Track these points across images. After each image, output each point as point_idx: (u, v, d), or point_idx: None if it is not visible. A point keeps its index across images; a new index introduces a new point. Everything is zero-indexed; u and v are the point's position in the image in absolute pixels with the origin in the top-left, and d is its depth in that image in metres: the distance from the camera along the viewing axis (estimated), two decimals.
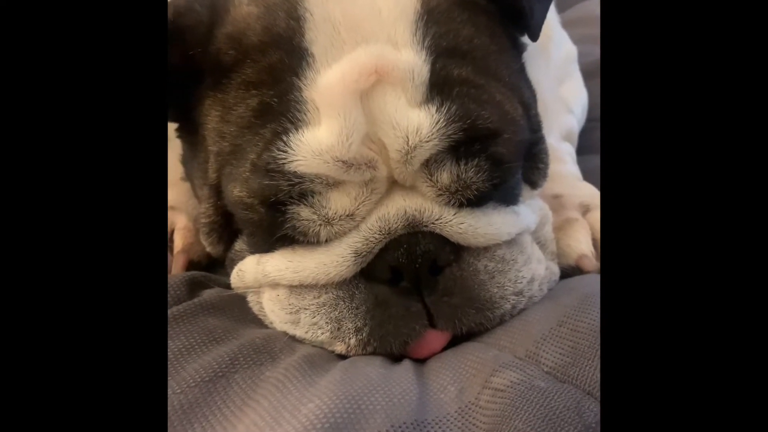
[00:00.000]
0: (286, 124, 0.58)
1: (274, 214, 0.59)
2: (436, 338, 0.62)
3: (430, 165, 0.59)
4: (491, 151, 0.59)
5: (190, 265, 0.80)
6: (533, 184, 0.70)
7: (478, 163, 0.59)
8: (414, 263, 0.60)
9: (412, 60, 0.58)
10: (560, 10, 1.45)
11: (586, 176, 0.91)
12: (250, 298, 0.68)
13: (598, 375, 0.52)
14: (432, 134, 0.57)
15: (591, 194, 0.83)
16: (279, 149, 0.57)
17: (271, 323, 0.66)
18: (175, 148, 0.76)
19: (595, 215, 0.79)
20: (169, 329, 0.62)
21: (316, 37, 0.59)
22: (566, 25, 1.20)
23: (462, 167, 0.58)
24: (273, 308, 0.65)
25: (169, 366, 0.57)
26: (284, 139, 0.57)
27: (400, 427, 0.50)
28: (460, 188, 0.59)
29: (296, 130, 0.57)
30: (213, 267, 0.79)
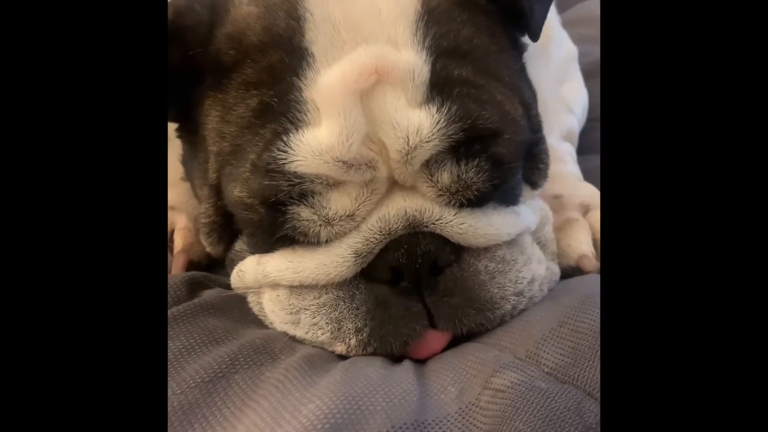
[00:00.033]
0: (286, 124, 0.58)
1: (274, 215, 0.59)
2: (436, 339, 0.62)
3: (430, 165, 0.59)
4: (492, 152, 0.59)
5: (190, 266, 0.80)
6: (534, 185, 0.70)
7: (479, 163, 0.59)
8: (414, 263, 0.60)
9: (412, 60, 0.58)
10: (560, 10, 1.45)
11: (587, 176, 0.91)
12: (251, 299, 0.68)
13: (599, 376, 0.52)
14: (432, 134, 0.57)
15: (591, 194, 0.83)
16: (279, 149, 0.57)
17: (272, 324, 0.66)
18: (175, 148, 0.76)
19: (596, 215, 0.79)
20: (169, 329, 0.62)
21: (316, 37, 0.59)
22: (566, 25, 1.20)
23: (462, 167, 0.58)
24: (273, 309, 0.65)
25: (169, 366, 0.57)
26: (284, 139, 0.57)
27: (400, 427, 0.50)
28: (460, 188, 0.59)
29: (296, 130, 0.57)
30: (213, 267, 0.79)
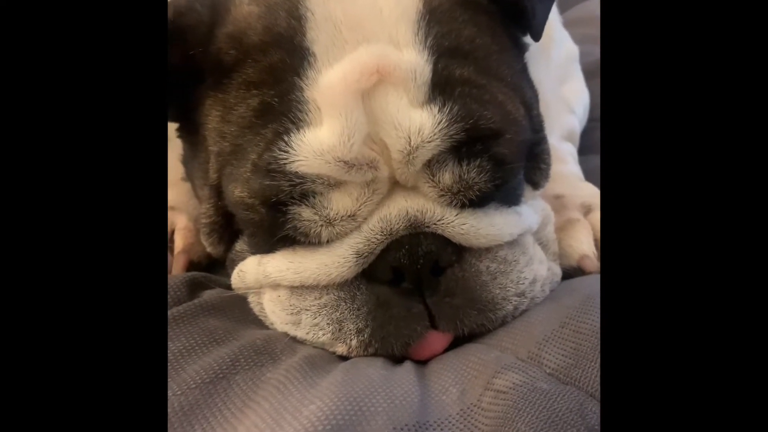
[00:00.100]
0: (287, 124, 0.58)
1: (275, 215, 0.59)
2: (437, 339, 0.62)
3: (432, 165, 0.58)
4: (493, 152, 0.59)
5: (191, 266, 0.80)
6: (535, 185, 0.70)
7: (480, 163, 0.58)
8: (416, 264, 0.60)
9: (414, 60, 0.58)
10: (561, 10, 1.45)
11: (588, 176, 0.91)
12: (251, 299, 0.68)
13: None
14: (434, 134, 0.57)
15: (592, 194, 0.83)
16: (280, 149, 0.57)
17: (272, 324, 0.66)
18: (175, 148, 0.76)
19: (597, 216, 0.79)
20: (169, 330, 0.62)
21: (317, 37, 0.59)
22: (567, 25, 1.20)
23: (464, 168, 0.58)
24: (274, 309, 0.65)
25: (169, 367, 0.57)
26: (285, 139, 0.57)
27: (402, 429, 0.50)
28: (462, 189, 0.59)
29: (297, 130, 0.57)
30: (213, 267, 0.79)
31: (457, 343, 0.62)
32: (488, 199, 0.62)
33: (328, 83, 0.57)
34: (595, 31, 1.20)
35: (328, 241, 0.60)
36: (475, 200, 0.60)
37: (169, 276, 0.73)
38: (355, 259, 0.60)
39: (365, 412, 0.50)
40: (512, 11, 0.68)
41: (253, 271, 0.65)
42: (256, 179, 0.58)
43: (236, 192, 0.60)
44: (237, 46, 0.62)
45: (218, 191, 0.64)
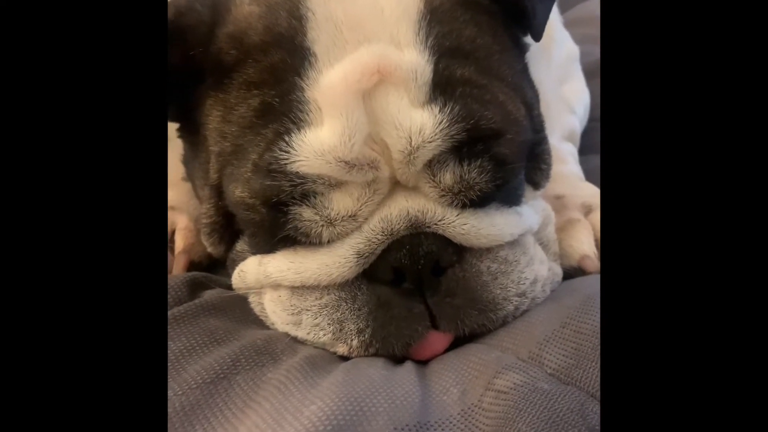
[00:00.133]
0: (288, 124, 0.58)
1: (276, 215, 0.59)
2: (438, 340, 0.62)
3: (432, 165, 0.58)
4: (494, 152, 0.59)
5: (191, 266, 0.80)
6: (536, 185, 0.70)
7: (481, 163, 0.58)
8: (416, 264, 0.60)
9: (414, 60, 0.58)
10: (562, 10, 1.45)
11: (588, 176, 0.91)
12: (252, 299, 0.68)
13: None
14: (435, 135, 0.56)
15: (593, 195, 0.83)
16: (281, 149, 0.57)
17: (273, 324, 0.66)
18: (176, 148, 0.76)
19: (598, 216, 0.79)
20: (170, 330, 0.62)
21: (318, 37, 0.59)
22: (567, 25, 1.20)
23: (465, 168, 0.58)
24: (274, 309, 0.65)
25: (170, 367, 0.57)
26: (286, 139, 0.57)
27: (402, 429, 0.50)
28: (463, 189, 0.59)
29: (298, 130, 0.57)
30: (214, 267, 0.79)
31: (457, 343, 0.62)
32: (489, 200, 0.62)
33: (329, 83, 0.57)
34: (596, 31, 1.20)
35: (329, 242, 0.60)
36: (476, 200, 0.60)
37: (169, 276, 0.73)
38: (355, 260, 0.60)
39: (366, 413, 0.50)
40: (513, 11, 0.68)
41: (253, 271, 0.65)
42: (256, 179, 0.58)
43: (237, 192, 0.60)
44: (238, 46, 0.62)
45: (219, 191, 0.64)
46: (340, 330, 0.61)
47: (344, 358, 0.61)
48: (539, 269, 0.66)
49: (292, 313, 0.63)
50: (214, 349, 0.60)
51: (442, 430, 0.51)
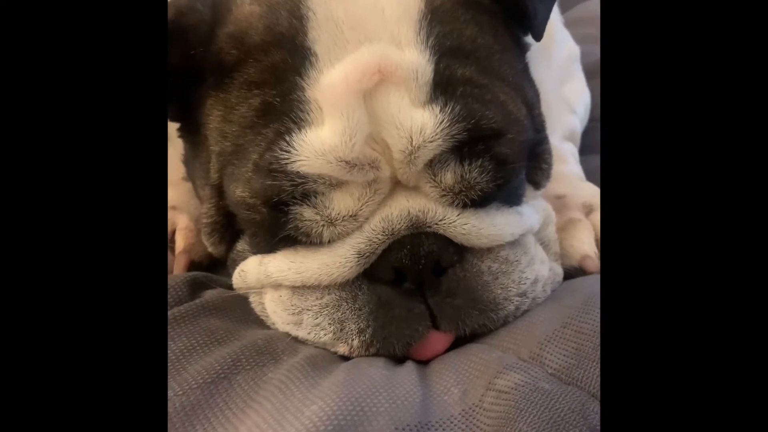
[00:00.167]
0: (288, 123, 0.57)
1: (277, 215, 0.59)
2: (439, 340, 0.62)
3: (433, 165, 0.58)
4: (495, 152, 0.59)
5: (192, 266, 0.80)
6: (536, 185, 0.70)
7: (482, 163, 0.58)
8: (417, 264, 0.60)
9: (415, 59, 0.58)
10: (562, 10, 1.45)
11: (589, 176, 0.91)
12: (252, 299, 0.68)
13: None
14: (436, 134, 0.56)
15: (594, 194, 0.83)
16: (282, 149, 0.57)
17: (273, 324, 0.66)
18: (176, 147, 0.76)
19: (598, 216, 0.79)
20: (170, 330, 0.62)
21: (318, 36, 0.59)
22: (568, 24, 1.20)
23: (466, 167, 0.58)
24: (275, 309, 0.65)
25: (170, 367, 0.57)
26: (287, 139, 0.57)
27: (403, 429, 0.50)
28: (464, 189, 0.59)
29: (299, 130, 0.57)
30: (215, 267, 0.79)
31: (458, 343, 0.62)
32: (490, 199, 0.61)
33: (330, 83, 0.57)
34: (596, 30, 1.20)
35: (329, 241, 0.60)
36: (476, 200, 0.60)
37: (170, 276, 0.73)
38: (356, 259, 0.59)
39: (367, 413, 0.50)
40: (514, 11, 0.68)
41: (254, 271, 0.65)
42: (257, 179, 0.58)
43: (237, 192, 0.60)
44: (238, 45, 0.62)
45: (219, 191, 0.64)
46: (341, 330, 0.61)
47: (345, 358, 0.61)
48: (540, 269, 0.66)
49: (293, 313, 0.63)
50: (214, 349, 0.60)
51: (443, 430, 0.51)
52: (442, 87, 0.58)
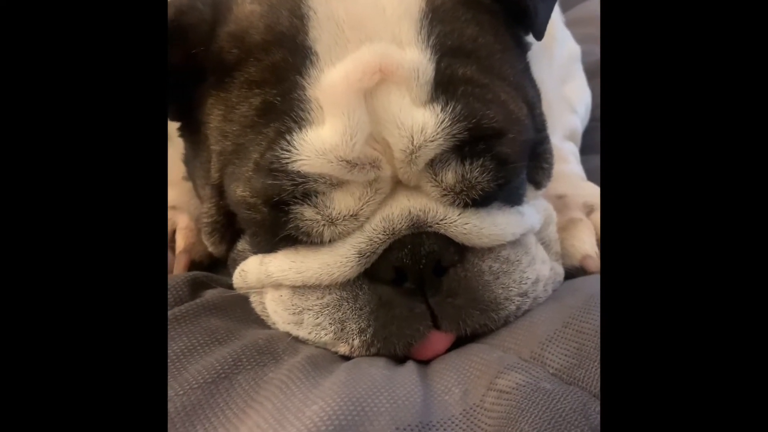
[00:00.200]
0: (289, 123, 0.57)
1: (277, 214, 0.58)
2: (440, 339, 0.61)
3: (434, 165, 0.58)
4: (496, 151, 0.59)
5: (192, 265, 0.80)
6: (537, 184, 0.70)
7: (483, 162, 0.58)
8: (418, 264, 0.59)
9: (416, 59, 0.58)
10: (563, 9, 1.45)
11: (589, 176, 0.91)
12: (253, 299, 0.68)
13: None
14: (437, 134, 0.56)
15: (595, 194, 0.83)
16: (282, 149, 0.57)
17: (274, 324, 0.66)
18: (177, 147, 0.76)
19: (599, 215, 0.79)
20: (170, 330, 0.62)
21: (319, 36, 0.59)
22: (568, 24, 1.20)
23: (467, 167, 0.58)
24: (276, 309, 0.64)
25: (171, 367, 0.57)
26: (288, 138, 0.57)
27: (404, 429, 0.49)
28: (464, 188, 0.59)
29: (300, 129, 0.57)
30: (215, 267, 0.79)
31: (459, 343, 0.62)
32: (491, 199, 0.61)
33: (331, 82, 0.57)
34: (596, 30, 1.20)
35: (330, 241, 0.60)
36: (477, 200, 0.60)
37: (170, 275, 0.73)
38: (357, 259, 0.59)
39: (368, 413, 0.50)
40: (515, 10, 0.68)
41: (255, 270, 0.65)
42: (258, 178, 0.58)
43: (238, 191, 0.60)
44: (239, 44, 0.62)
45: (220, 190, 0.64)
46: (342, 329, 0.61)
47: (346, 358, 0.61)
48: (541, 269, 0.66)
49: (294, 313, 0.63)
50: (215, 349, 0.60)
51: (444, 430, 0.51)
52: (443, 86, 0.58)
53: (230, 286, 0.71)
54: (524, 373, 0.54)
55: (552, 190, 0.77)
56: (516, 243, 0.64)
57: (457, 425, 0.51)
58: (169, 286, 0.68)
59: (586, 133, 1.07)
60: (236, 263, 0.69)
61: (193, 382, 0.55)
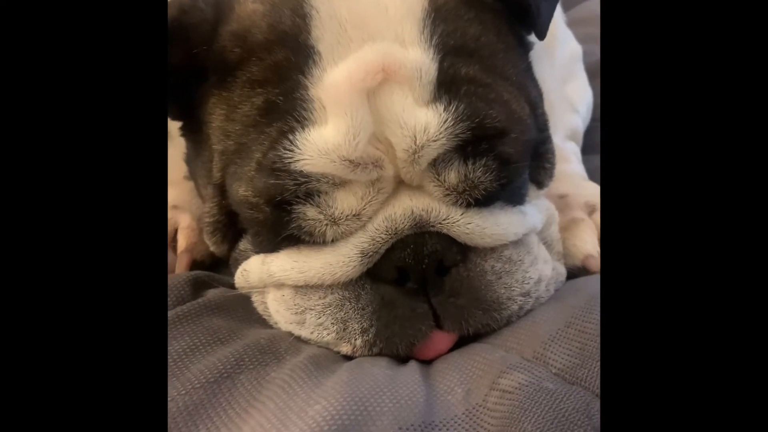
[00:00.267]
0: (292, 122, 0.57)
1: (280, 214, 0.58)
2: (442, 339, 0.61)
3: (437, 164, 0.58)
4: (499, 151, 0.59)
5: (194, 265, 0.80)
6: (539, 184, 0.70)
7: (486, 162, 0.58)
8: (420, 264, 0.59)
9: (419, 58, 0.58)
10: (564, 9, 1.45)
11: (591, 176, 0.91)
12: (255, 298, 0.68)
13: None
14: (440, 133, 0.56)
15: (596, 194, 0.83)
16: (285, 148, 0.57)
17: (276, 324, 0.66)
18: (178, 146, 0.76)
19: None
20: (172, 329, 0.61)
21: (322, 35, 0.59)
22: (570, 24, 1.20)
23: (470, 167, 0.58)
24: (278, 308, 0.64)
25: (173, 367, 0.57)
26: (290, 137, 0.57)
27: (407, 429, 0.49)
28: (467, 188, 0.59)
29: (302, 128, 0.57)
30: (217, 266, 0.79)
31: (462, 342, 0.62)
32: (493, 199, 0.61)
33: (333, 82, 0.57)
34: (597, 30, 1.19)
35: (332, 241, 0.60)
36: (480, 199, 0.60)
37: (172, 275, 0.73)
38: (359, 259, 0.59)
39: (371, 412, 0.50)
40: (517, 10, 0.67)
41: (257, 270, 0.65)
42: (260, 178, 0.58)
43: (240, 191, 0.60)
44: (241, 44, 0.62)
45: (222, 190, 0.64)
46: (344, 329, 0.61)
47: (348, 358, 0.61)
48: (543, 269, 0.66)
49: (296, 313, 0.63)
50: (217, 349, 0.60)
51: (447, 429, 0.51)
52: (446, 86, 0.58)
53: (232, 286, 0.71)
54: (527, 373, 0.54)
55: (554, 189, 0.77)
56: (518, 243, 0.64)
57: (459, 425, 0.51)
58: (170, 286, 0.68)
59: (588, 133, 1.07)
60: (238, 263, 0.68)
61: (196, 382, 0.55)
